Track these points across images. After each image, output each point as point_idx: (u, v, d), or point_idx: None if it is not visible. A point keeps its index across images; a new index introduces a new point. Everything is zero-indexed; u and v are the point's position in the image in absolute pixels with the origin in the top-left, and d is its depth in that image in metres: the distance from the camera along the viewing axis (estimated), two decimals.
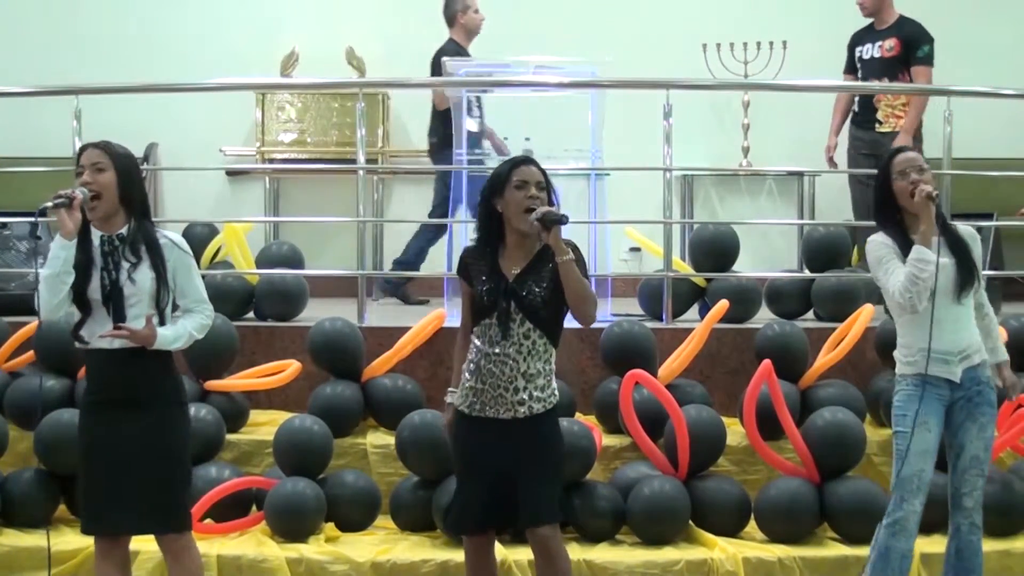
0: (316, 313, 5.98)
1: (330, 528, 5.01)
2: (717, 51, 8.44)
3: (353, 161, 6.89)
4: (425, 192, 8.74)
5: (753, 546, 4.90)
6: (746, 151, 8.55)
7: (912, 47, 7.16)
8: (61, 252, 3.69)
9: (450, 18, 7.64)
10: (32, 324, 5.60)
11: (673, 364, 5.53)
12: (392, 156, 8.78)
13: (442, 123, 7.31)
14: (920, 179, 4.12)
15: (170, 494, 3.84)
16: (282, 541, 4.88)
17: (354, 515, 5.09)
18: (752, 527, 5.08)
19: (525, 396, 3.86)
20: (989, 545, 4.89)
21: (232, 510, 5.04)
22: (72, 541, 4.85)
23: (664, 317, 6.10)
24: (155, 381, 3.83)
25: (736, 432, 5.35)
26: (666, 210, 6.19)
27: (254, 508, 5.12)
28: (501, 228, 3.95)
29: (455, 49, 7.51)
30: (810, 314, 6.33)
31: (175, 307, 3.92)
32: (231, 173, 8.71)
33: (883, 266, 4.19)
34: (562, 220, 3.79)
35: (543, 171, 3.94)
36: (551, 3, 8.84)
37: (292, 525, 4.91)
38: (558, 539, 3.91)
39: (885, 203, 4.25)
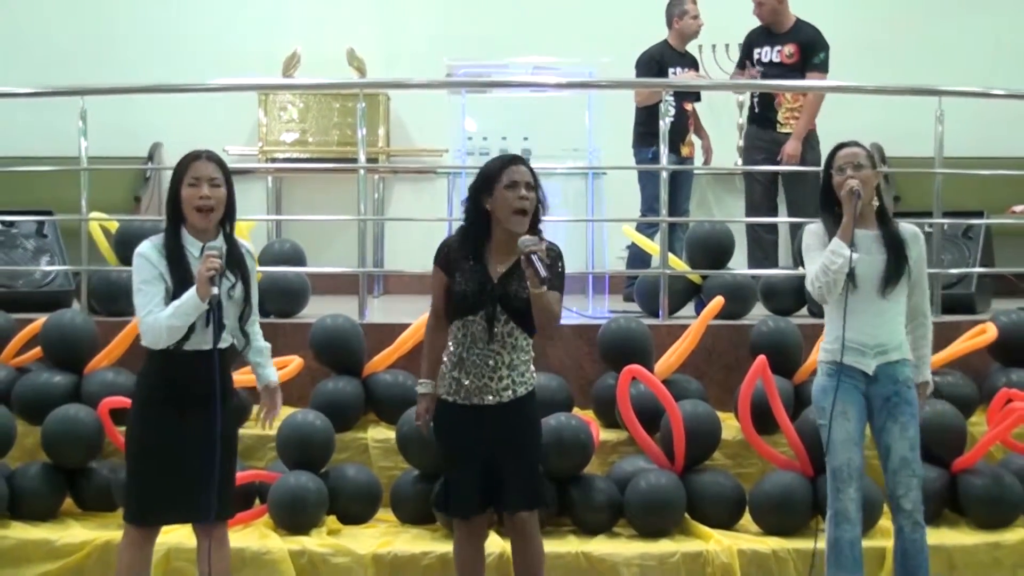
0: (318, 310, 6.01)
1: (332, 521, 5.05)
2: (712, 52, 8.50)
3: (354, 160, 6.94)
4: (424, 192, 8.84)
5: (748, 538, 4.95)
6: (741, 151, 8.61)
7: (809, 54, 7.08)
8: (195, 312, 3.74)
9: (668, 20, 7.46)
10: (39, 320, 5.66)
11: (669, 360, 5.58)
12: (392, 155, 8.84)
13: (642, 120, 7.31)
14: (854, 175, 4.19)
15: (233, 480, 4.07)
16: (285, 534, 4.93)
17: (355, 508, 5.15)
18: (747, 520, 5.12)
19: (509, 383, 4.00)
20: (979, 537, 4.99)
21: (235, 503, 5.07)
22: (78, 534, 4.92)
23: (660, 314, 6.15)
24: (230, 377, 4.04)
25: (731, 427, 5.40)
26: (663, 208, 6.25)
27: (257, 501, 5.17)
28: (488, 225, 4.00)
29: (660, 51, 7.38)
30: (804, 310, 6.36)
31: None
32: (234, 172, 8.71)
33: (808, 254, 4.30)
34: (543, 282, 3.79)
35: (532, 171, 3.99)
36: (550, 3, 8.88)
37: (295, 518, 4.96)
38: (535, 521, 4.11)
39: (826, 195, 4.33)
